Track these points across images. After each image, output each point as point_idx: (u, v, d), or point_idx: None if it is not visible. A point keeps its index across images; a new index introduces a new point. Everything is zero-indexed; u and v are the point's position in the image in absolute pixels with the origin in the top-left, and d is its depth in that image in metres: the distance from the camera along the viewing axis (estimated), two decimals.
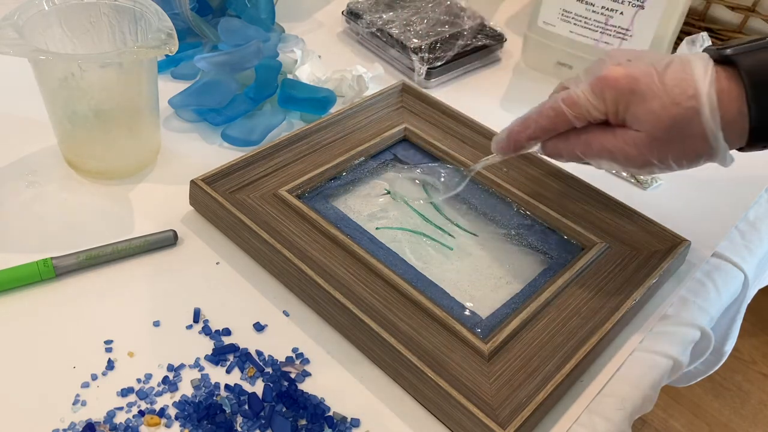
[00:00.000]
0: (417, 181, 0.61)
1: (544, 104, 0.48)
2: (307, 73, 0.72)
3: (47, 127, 0.59)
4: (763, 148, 0.44)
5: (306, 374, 0.46)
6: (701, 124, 0.42)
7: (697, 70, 0.43)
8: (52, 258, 0.50)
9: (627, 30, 0.70)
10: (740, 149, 0.45)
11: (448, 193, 0.58)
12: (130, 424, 0.43)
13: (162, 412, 0.43)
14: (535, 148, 0.50)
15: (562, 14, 0.73)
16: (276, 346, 0.48)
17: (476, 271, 0.54)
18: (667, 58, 0.44)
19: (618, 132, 0.45)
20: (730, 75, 0.42)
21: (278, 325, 0.49)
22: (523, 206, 0.58)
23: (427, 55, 0.75)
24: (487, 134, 0.63)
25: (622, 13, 0.70)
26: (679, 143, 0.44)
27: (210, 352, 0.47)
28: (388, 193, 0.60)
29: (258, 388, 0.45)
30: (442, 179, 0.59)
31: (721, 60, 0.43)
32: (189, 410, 0.43)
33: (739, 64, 0.42)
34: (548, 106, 0.47)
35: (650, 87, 0.43)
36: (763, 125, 0.42)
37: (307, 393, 0.45)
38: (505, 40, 0.81)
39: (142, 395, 0.44)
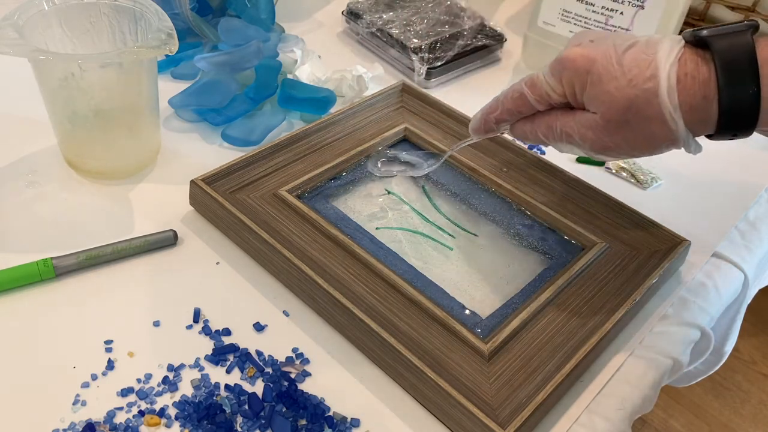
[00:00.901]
0: (415, 180, 0.61)
1: (512, 86, 0.47)
2: (307, 73, 0.72)
3: (47, 127, 0.59)
4: (734, 136, 0.41)
5: (306, 374, 0.46)
6: (659, 106, 0.40)
7: (661, 51, 0.41)
8: (52, 258, 0.50)
9: (627, 30, 0.70)
10: (710, 137, 0.43)
11: (424, 170, 0.59)
12: (130, 424, 0.43)
13: (162, 412, 0.43)
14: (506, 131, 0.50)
15: (562, 14, 0.73)
16: (276, 346, 0.48)
17: (476, 271, 0.54)
18: (632, 39, 0.42)
19: (577, 114, 0.44)
20: (701, 57, 0.40)
21: (278, 325, 0.49)
22: (523, 206, 0.58)
23: (427, 55, 0.75)
24: None
25: (622, 13, 0.70)
26: (637, 127, 0.42)
27: (210, 352, 0.47)
28: (389, 193, 0.60)
29: (258, 388, 0.45)
30: (419, 160, 0.60)
31: (695, 42, 0.41)
32: (189, 410, 0.43)
33: (712, 47, 0.40)
34: (514, 89, 0.47)
35: (607, 68, 0.41)
36: (732, 111, 0.39)
37: (307, 393, 0.45)
38: (505, 40, 0.81)
39: (142, 395, 0.44)
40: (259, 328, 0.49)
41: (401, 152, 0.61)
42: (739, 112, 0.39)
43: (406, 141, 0.64)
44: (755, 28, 0.40)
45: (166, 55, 0.71)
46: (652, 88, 0.40)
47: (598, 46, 0.42)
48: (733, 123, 0.40)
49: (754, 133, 0.42)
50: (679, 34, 0.43)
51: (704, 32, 0.40)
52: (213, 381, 0.45)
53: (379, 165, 0.59)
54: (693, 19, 0.83)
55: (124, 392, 0.44)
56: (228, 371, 0.46)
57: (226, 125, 0.65)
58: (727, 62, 0.39)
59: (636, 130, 0.42)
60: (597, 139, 0.43)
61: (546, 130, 0.46)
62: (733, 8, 0.80)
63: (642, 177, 0.66)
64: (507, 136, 0.54)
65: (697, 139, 0.43)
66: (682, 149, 0.43)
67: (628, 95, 0.41)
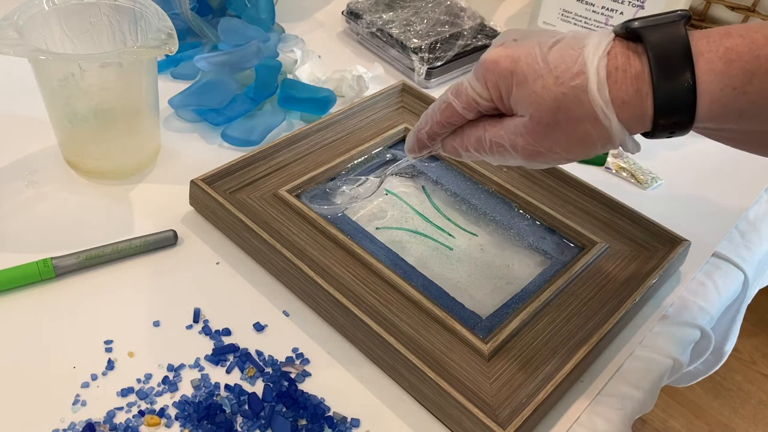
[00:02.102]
0: (413, 183, 0.61)
1: (439, 98, 0.44)
2: (307, 73, 0.72)
3: (47, 127, 0.59)
4: (671, 134, 0.39)
5: (306, 374, 0.46)
6: (589, 103, 0.37)
7: (589, 46, 0.38)
8: (52, 258, 0.50)
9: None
10: (647, 135, 0.40)
11: (365, 197, 0.57)
12: (130, 424, 0.43)
13: (162, 412, 0.43)
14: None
15: (562, 14, 0.73)
16: (276, 346, 0.48)
17: (476, 271, 0.54)
18: (559, 35, 0.40)
19: (505, 122, 0.41)
20: (633, 51, 0.37)
21: (278, 325, 0.49)
22: (523, 206, 0.58)
23: (427, 55, 0.75)
24: None
25: (622, 13, 0.70)
26: (568, 127, 0.39)
27: (210, 352, 0.47)
28: (388, 193, 0.60)
29: (258, 388, 0.45)
30: (363, 186, 0.58)
31: (626, 35, 0.38)
32: (189, 410, 0.43)
33: (644, 39, 0.37)
34: (441, 100, 0.44)
35: (532, 66, 0.39)
36: (668, 106, 0.37)
37: (307, 393, 0.45)
38: None
39: (142, 395, 0.44)
40: (259, 328, 0.49)
41: (338, 183, 0.59)
42: (675, 107, 0.37)
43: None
44: (688, 18, 0.38)
45: (166, 55, 0.72)
46: (580, 84, 0.37)
47: (522, 45, 0.40)
48: (669, 119, 0.37)
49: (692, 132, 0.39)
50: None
51: (635, 24, 0.37)
52: (213, 381, 0.45)
53: (310, 201, 0.57)
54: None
55: (124, 392, 0.44)
56: (228, 371, 0.46)
57: (226, 125, 0.65)
58: (660, 54, 0.36)
59: (567, 130, 0.39)
60: (527, 144, 0.40)
61: (476, 144, 0.43)
62: (733, 8, 0.80)
63: (642, 177, 0.66)
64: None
65: (636, 138, 0.40)
66: (620, 148, 0.40)
67: (556, 94, 0.38)
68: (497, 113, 0.42)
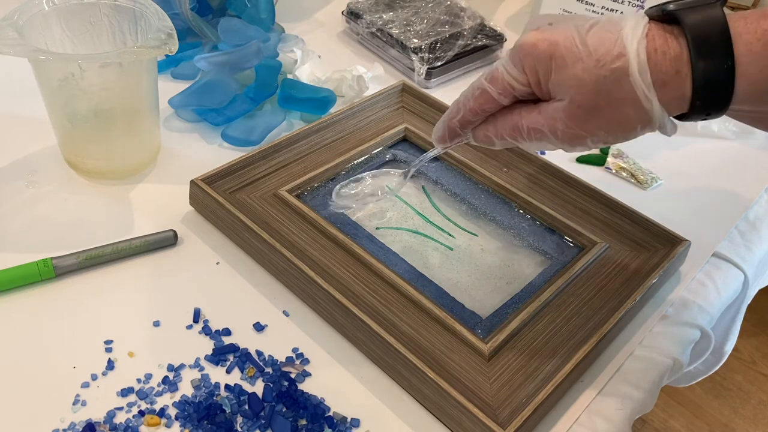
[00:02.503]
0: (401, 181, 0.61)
1: (471, 85, 0.44)
2: (307, 73, 0.72)
3: (47, 127, 0.59)
4: (706, 116, 0.39)
5: (306, 374, 0.46)
6: (630, 85, 0.38)
7: (626, 28, 0.38)
8: (52, 258, 0.50)
9: None
10: (682, 118, 0.40)
11: (395, 191, 0.57)
12: (130, 424, 0.43)
13: (162, 412, 0.43)
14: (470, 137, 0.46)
15: (562, 14, 0.73)
16: (276, 346, 0.48)
17: (476, 271, 0.54)
18: (594, 19, 0.40)
19: (543, 106, 0.41)
20: (670, 33, 0.37)
21: (278, 325, 0.49)
22: (523, 206, 0.58)
23: (427, 55, 0.75)
24: None
25: (622, 13, 0.70)
26: (609, 110, 0.39)
27: (210, 352, 0.47)
28: (388, 193, 0.60)
29: (258, 388, 0.45)
30: (393, 180, 0.58)
31: (662, 18, 0.38)
32: (189, 410, 0.43)
33: (682, 20, 0.37)
34: (474, 87, 0.43)
35: (571, 50, 0.38)
36: (707, 87, 0.37)
37: (307, 393, 0.45)
38: (505, 40, 0.81)
39: (142, 395, 0.44)
40: (259, 328, 0.49)
41: (367, 175, 0.58)
42: (714, 88, 0.37)
43: (406, 141, 0.64)
44: (724, 0, 0.38)
45: (166, 55, 0.72)
46: (621, 66, 0.37)
47: (558, 29, 0.40)
48: (707, 99, 0.37)
49: (735, 121, 0.39)
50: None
51: (671, 6, 0.38)
52: (213, 381, 0.45)
53: (335, 197, 0.57)
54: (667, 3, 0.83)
55: (124, 392, 0.44)
56: (228, 371, 0.46)
57: (226, 125, 0.65)
58: (699, 36, 0.37)
59: (608, 113, 0.39)
60: (567, 129, 0.40)
61: (512, 131, 0.43)
62: (733, 8, 0.80)
63: (642, 177, 0.66)
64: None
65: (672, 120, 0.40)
66: (657, 131, 0.40)
67: (597, 76, 0.38)
68: (532, 98, 0.42)
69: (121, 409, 0.43)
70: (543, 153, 0.66)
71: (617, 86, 0.38)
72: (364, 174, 0.58)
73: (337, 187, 0.57)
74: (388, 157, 0.63)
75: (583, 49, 0.38)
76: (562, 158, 0.65)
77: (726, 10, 0.38)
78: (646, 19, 0.38)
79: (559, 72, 0.39)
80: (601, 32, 0.38)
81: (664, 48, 0.37)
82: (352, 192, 0.57)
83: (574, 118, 0.40)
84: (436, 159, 0.62)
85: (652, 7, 0.39)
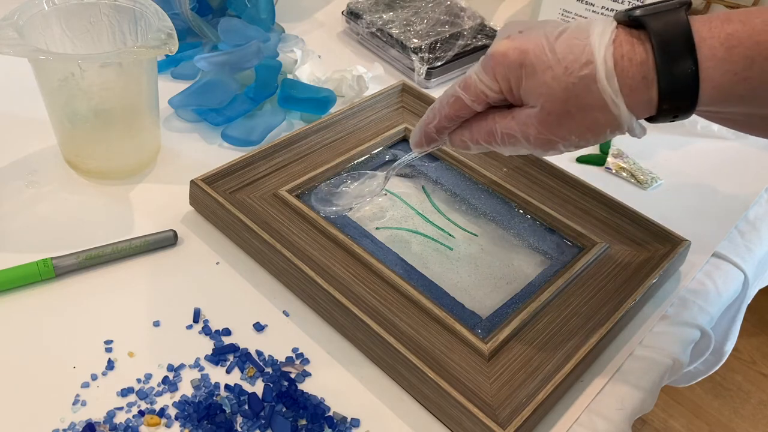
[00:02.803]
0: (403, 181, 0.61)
1: (445, 92, 0.45)
2: (307, 73, 0.72)
3: (47, 127, 0.59)
4: (674, 118, 0.40)
5: (306, 374, 0.46)
6: (598, 92, 0.38)
7: (594, 35, 0.39)
8: (52, 258, 0.50)
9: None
10: (650, 120, 0.41)
11: (372, 194, 0.56)
12: (130, 424, 0.43)
13: (162, 412, 0.43)
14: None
15: (562, 14, 0.73)
16: (276, 346, 0.48)
17: (476, 271, 0.54)
18: (564, 26, 0.40)
19: (515, 112, 0.42)
20: (636, 38, 0.38)
21: (278, 325, 0.49)
22: (523, 206, 0.58)
23: (427, 55, 0.75)
24: None
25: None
26: (579, 116, 0.40)
27: (210, 352, 0.47)
28: (388, 193, 0.60)
29: (258, 388, 0.45)
30: (367, 183, 0.57)
31: (629, 22, 0.39)
32: (189, 410, 0.43)
33: (647, 26, 0.38)
34: (448, 94, 0.44)
35: (540, 58, 0.39)
36: (672, 91, 0.38)
37: (307, 393, 0.45)
38: None
39: (142, 395, 0.44)
40: (259, 328, 0.49)
41: (345, 180, 0.58)
42: (679, 92, 0.38)
43: (406, 141, 0.64)
44: (688, 5, 0.39)
45: (166, 55, 0.72)
46: (589, 74, 0.38)
47: (529, 36, 0.40)
48: (672, 103, 0.39)
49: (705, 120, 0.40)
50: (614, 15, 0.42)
51: (637, 12, 0.39)
52: (213, 381, 0.45)
53: (318, 202, 0.56)
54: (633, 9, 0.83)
55: (124, 392, 0.44)
56: (228, 371, 0.46)
57: (226, 125, 0.65)
58: (663, 41, 0.37)
59: (578, 119, 0.40)
60: (539, 134, 0.41)
61: (487, 137, 0.44)
62: (732, 8, 0.80)
63: (642, 177, 0.66)
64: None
65: (641, 122, 0.41)
66: (627, 134, 0.41)
67: (566, 84, 0.39)
68: (506, 104, 0.43)
69: (121, 409, 0.43)
70: None
71: (586, 93, 0.39)
72: (345, 176, 0.58)
73: (318, 190, 0.57)
74: (387, 157, 0.63)
75: (552, 57, 0.39)
76: (562, 158, 0.65)
77: (696, 15, 0.39)
78: (614, 24, 0.39)
79: (529, 80, 0.40)
80: (570, 39, 0.39)
81: (631, 54, 0.38)
82: (336, 191, 0.57)
83: (545, 124, 0.40)
84: (435, 159, 0.62)
85: (618, 12, 0.39)
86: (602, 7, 0.70)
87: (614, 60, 0.38)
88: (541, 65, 0.39)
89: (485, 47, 0.79)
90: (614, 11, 0.70)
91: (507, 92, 0.42)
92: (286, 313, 0.50)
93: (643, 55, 0.38)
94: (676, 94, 0.38)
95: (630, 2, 0.69)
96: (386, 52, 0.79)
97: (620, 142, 0.69)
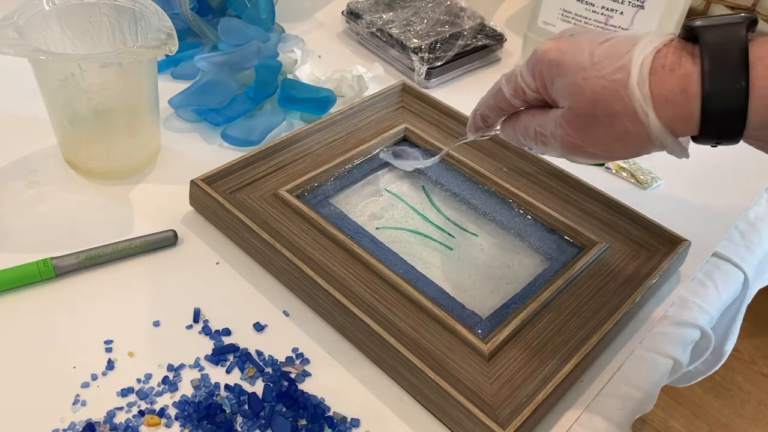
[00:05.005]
0: (414, 180, 0.61)
1: (497, 81, 0.45)
2: (307, 73, 0.72)
3: (47, 127, 0.59)
4: (717, 142, 0.37)
5: (306, 374, 0.46)
6: (629, 98, 0.37)
7: (640, 44, 0.37)
8: (52, 258, 0.50)
9: (627, 30, 0.70)
10: (695, 139, 0.38)
11: (422, 164, 0.59)
12: (130, 424, 0.43)
13: (162, 412, 0.43)
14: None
15: (562, 14, 0.73)
16: (276, 346, 0.48)
17: (476, 271, 0.54)
18: (614, 34, 0.39)
19: (550, 111, 0.41)
20: (687, 51, 0.36)
21: (278, 325, 0.49)
22: (523, 206, 0.58)
23: (427, 55, 0.75)
24: None
25: (622, 13, 0.70)
26: (606, 122, 0.38)
27: (210, 352, 0.47)
28: (388, 192, 0.60)
29: (258, 388, 0.45)
30: (418, 158, 0.60)
31: (685, 35, 0.37)
32: (189, 410, 0.43)
33: (701, 38, 0.36)
34: (495, 83, 0.45)
35: (576, 59, 0.39)
36: (715, 106, 0.35)
37: (307, 393, 0.45)
38: (505, 40, 0.81)
39: (142, 395, 0.44)
40: (259, 328, 0.49)
41: (406, 148, 0.61)
42: (724, 109, 0.35)
43: (406, 141, 0.64)
44: (753, 21, 0.36)
45: (166, 55, 0.72)
46: (621, 78, 0.37)
47: (575, 39, 0.40)
48: (716, 122, 0.35)
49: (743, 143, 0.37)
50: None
51: (696, 23, 0.36)
52: (213, 381, 0.45)
53: (391, 155, 0.59)
54: (693, 19, 0.83)
55: (124, 392, 0.44)
56: (228, 371, 0.46)
57: (226, 125, 0.65)
58: (714, 55, 0.35)
59: (606, 126, 0.38)
60: (566, 135, 0.40)
61: (523, 131, 0.44)
62: (733, 8, 0.80)
63: (642, 177, 0.66)
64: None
65: (683, 143, 0.39)
66: (667, 153, 0.39)
67: (595, 86, 0.38)
68: (547, 105, 0.43)
69: (121, 409, 0.43)
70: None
71: (616, 98, 0.37)
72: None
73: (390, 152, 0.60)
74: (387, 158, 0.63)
75: (588, 59, 0.38)
76: (561, 158, 0.65)
77: (701, 17, 0.37)
78: (670, 37, 0.38)
79: (561, 79, 0.39)
80: (614, 45, 0.38)
81: (674, 65, 0.36)
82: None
83: (572, 125, 0.40)
84: None
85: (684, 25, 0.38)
86: (602, 7, 0.70)
87: (652, 68, 0.36)
88: (576, 66, 0.39)
89: (485, 47, 0.79)
90: (614, 11, 0.70)
91: (543, 90, 0.42)
92: (286, 313, 0.50)
93: (690, 67, 0.36)
94: (719, 112, 0.35)
95: (630, 2, 0.69)
96: (386, 52, 0.79)
97: None
